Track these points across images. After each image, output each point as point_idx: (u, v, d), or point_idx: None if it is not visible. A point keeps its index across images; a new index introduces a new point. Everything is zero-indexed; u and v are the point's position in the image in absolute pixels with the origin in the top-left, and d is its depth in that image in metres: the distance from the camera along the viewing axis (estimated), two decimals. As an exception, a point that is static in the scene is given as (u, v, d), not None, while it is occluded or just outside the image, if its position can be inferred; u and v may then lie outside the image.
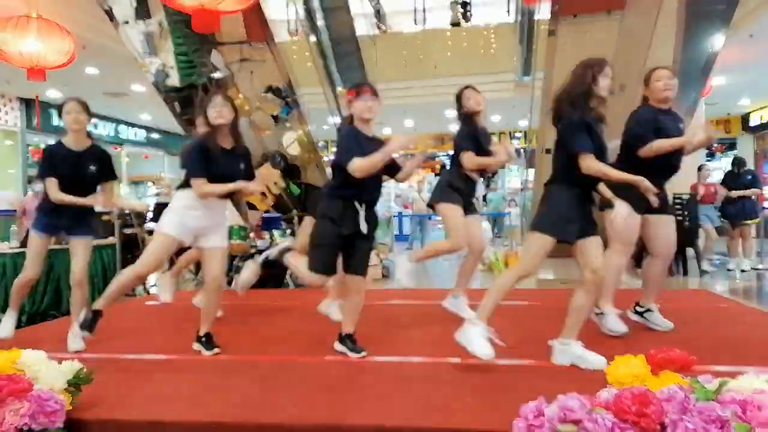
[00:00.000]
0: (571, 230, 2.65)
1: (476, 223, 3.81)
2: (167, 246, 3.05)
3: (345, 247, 2.98)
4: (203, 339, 3.17)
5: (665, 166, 3.16)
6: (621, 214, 2.72)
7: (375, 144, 2.91)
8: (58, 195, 3.28)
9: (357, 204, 2.92)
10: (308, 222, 3.74)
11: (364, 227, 2.93)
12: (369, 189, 2.96)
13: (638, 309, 3.43)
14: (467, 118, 3.67)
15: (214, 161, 3.00)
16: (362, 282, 3.04)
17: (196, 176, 3.00)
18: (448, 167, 3.96)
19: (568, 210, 2.67)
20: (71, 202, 3.29)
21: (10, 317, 3.58)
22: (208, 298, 3.20)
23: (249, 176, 3.17)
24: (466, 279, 3.83)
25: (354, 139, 2.88)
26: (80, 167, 3.34)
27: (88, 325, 3.14)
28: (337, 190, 2.95)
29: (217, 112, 2.99)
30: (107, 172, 3.49)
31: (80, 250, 3.42)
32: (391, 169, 3.02)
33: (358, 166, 2.78)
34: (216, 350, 3.14)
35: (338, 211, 2.91)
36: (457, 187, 3.64)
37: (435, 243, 3.74)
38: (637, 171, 2.77)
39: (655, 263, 3.35)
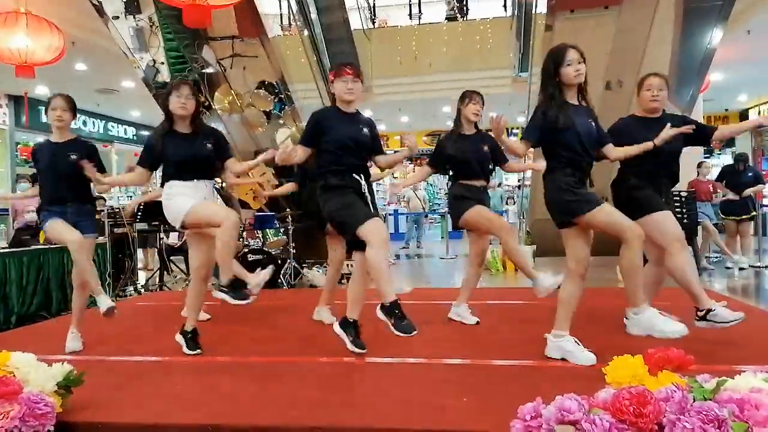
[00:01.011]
0: (577, 206, 2.63)
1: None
2: (206, 210, 2.99)
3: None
4: (188, 334, 3.12)
5: (656, 171, 3.13)
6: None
7: (355, 123, 2.96)
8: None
9: (356, 175, 2.94)
10: None
11: (367, 193, 2.95)
12: (353, 161, 2.96)
13: (699, 314, 3.15)
14: (459, 126, 3.63)
15: (174, 147, 3.02)
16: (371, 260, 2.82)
17: (139, 164, 3.11)
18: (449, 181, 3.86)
19: (564, 191, 2.66)
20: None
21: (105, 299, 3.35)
22: (194, 286, 3.12)
23: (222, 153, 3.15)
24: (469, 289, 3.73)
25: (309, 126, 2.97)
26: (60, 155, 3.30)
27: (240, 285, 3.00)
28: (331, 174, 2.94)
29: (182, 103, 3.01)
30: (90, 152, 3.42)
31: (85, 249, 3.37)
32: (373, 150, 3.05)
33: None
34: (197, 352, 3.08)
35: (340, 182, 2.91)
36: (465, 196, 3.57)
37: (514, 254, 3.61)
38: (638, 176, 2.85)
39: (674, 260, 3.31)
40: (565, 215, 2.69)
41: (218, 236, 2.91)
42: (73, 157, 3.31)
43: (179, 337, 3.13)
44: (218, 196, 3.38)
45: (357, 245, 2.89)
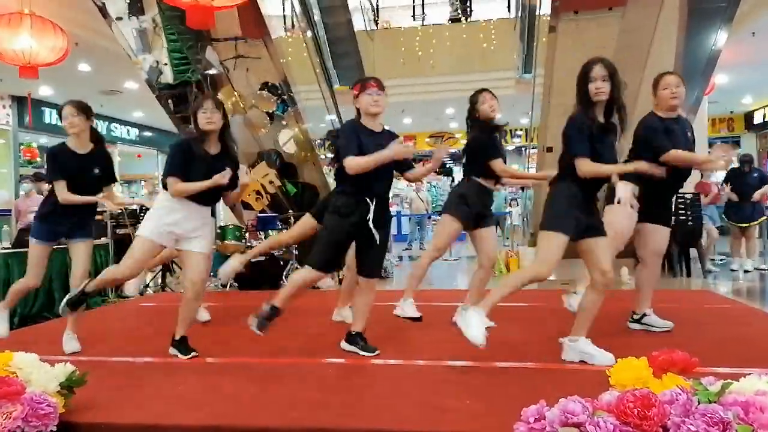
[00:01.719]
0: (569, 224, 2.62)
1: (490, 235, 3.67)
2: (145, 249, 3.01)
3: (357, 246, 2.96)
4: (178, 342, 3.10)
5: (675, 177, 3.13)
6: (625, 191, 2.72)
7: (383, 138, 2.90)
8: (67, 196, 3.22)
9: (368, 200, 2.90)
10: (305, 220, 3.69)
11: (372, 223, 2.90)
12: (379, 184, 2.93)
13: (635, 317, 3.43)
14: (483, 124, 3.57)
15: (198, 164, 2.95)
16: (374, 282, 3.03)
17: (171, 174, 2.93)
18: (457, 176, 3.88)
19: (568, 206, 2.65)
20: (80, 201, 3.24)
21: (2, 318, 3.54)
22: (185, 303, 3.10)
23: (235, 184, 3.13)
24: (478, 292, 3.63)
25: (352, 136, 2.86)
26: (85, 170, 3.29)
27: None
28: (348, 186, 2.91)
29: (207, 118, 2.93)
30: (109, 174, 3.46)
31: (82, 253, 3.38)
32: (403, 167, 3.02)
33: (349, 164, 2.79)
34: (193, 354, 3.08)
35: (349, 208, 2.89)
36: (467, 200, 3.56)
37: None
38: (647, 181, 2.82)
39: (646, 271, 3.38)
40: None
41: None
42: (96, 171, 3.32)
43: (173, 350, 3.13)
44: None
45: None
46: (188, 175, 2.94)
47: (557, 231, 2.62)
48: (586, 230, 2.65)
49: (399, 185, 16.82)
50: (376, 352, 2.94)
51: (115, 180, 3.52)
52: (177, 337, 3.12)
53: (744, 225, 7.18)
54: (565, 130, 2.70)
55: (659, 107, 3.20)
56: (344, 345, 3.05)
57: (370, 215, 2.88)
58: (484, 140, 3.53)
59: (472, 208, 3.54)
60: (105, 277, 3.17)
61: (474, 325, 2.56)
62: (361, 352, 2.96)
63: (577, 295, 3.28)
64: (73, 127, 3.24)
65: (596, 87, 2.59)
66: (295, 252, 6.39)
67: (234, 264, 3.85)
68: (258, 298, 5.18)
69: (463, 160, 3.76)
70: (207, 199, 3.06)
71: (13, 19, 5.60)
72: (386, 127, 3.03)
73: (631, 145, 3.24)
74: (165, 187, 3.02)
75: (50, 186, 3.36)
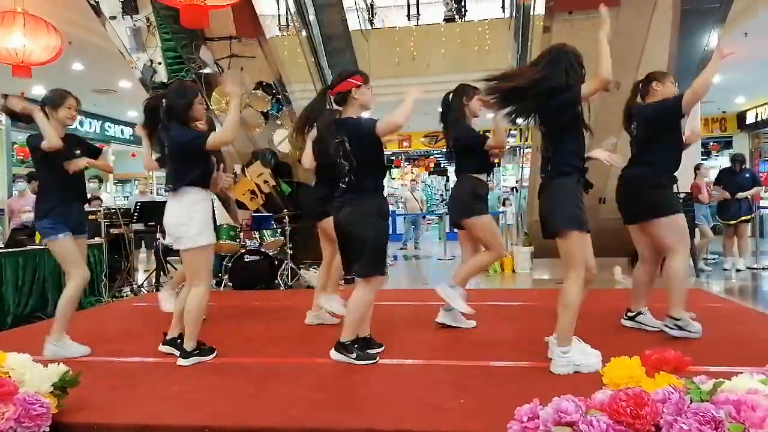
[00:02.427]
0: (586, 221, 2.65)
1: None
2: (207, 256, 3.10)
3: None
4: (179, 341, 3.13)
5: (676, 158, 3.25)
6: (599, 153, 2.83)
7: None
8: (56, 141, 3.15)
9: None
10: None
11: None
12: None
13: (629, 314, 3.46)
14: (465, 119, 3.63)
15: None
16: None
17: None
18: (451, 174, 3.88)
19: (579, 200, 2.66)
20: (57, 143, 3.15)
21: (68, 342, 3.28)
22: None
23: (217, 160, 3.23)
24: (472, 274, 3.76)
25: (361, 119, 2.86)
26: (70, 152, 3.29)
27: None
28: (380, 187, 2.92)
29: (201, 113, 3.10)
30: (92, 149, 3.48)
31: (83, 250, 3.42)
32: None
33: (395, 120, 2.74)
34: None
35: (387, 209, 2.94)
36: (480, 195, 3.57)
37: (475, 260, 3.63)
38: (656, 164, 3.06)
39: (646, 269, 3.40)
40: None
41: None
42: (78, 152, 3.32)
43: (165, 348, 3.16)
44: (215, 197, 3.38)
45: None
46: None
47: (583, 230, 2.62)
48: None
49: (393, 184, 16.84)
50: (382, 348, 2.99)
51: (98, 150, 3.55)
52: (176, 336, 3.19)
53: (733, 222, 7.25)
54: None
55: (661, 96, 3.28)
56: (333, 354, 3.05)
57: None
58: (474, 132, 3.60)
59: (486, 201, 3.59)
60: (200, 304, 3.03)
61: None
62: (372, 353, 2.97)
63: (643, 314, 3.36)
64: (73, 120, 3.32)
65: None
66: (290, 252, 6.38)
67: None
68: (253, 298, 5.20)
69: (454, 160, 3.76)
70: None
71: (6, 17, 5.55)
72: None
73: (641, 130, 3.28)
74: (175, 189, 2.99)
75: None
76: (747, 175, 7.38)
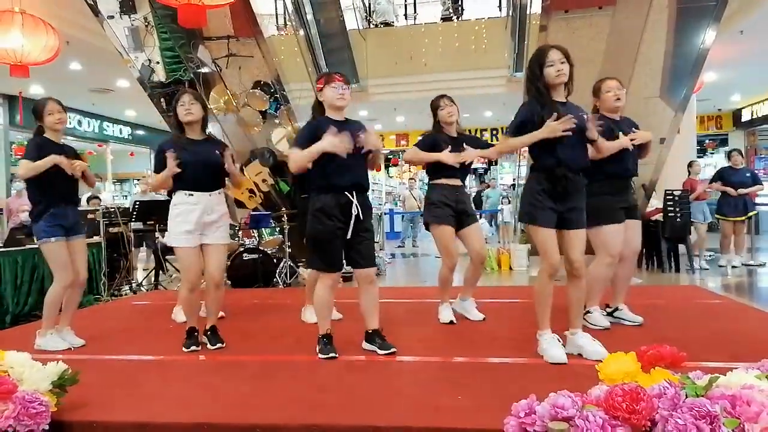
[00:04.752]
0: (545, 216, 2.69)
1: (473, 233, 3.68)
2: (189, 257, 3.18)
3: (346, 241, 2.92)
4: (210, 333, 3.29)
5: (619, 169, 3.29)
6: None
7: (350, 127, 2.92)
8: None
9: (348, 194, 2.89)
10: None
11: (360, 215, 2.89)
12: (353, 175, 2.90)
13: (608, 309, 3.55)
14: (438, 126, 3.67)
15: (187, 153, 3.11)
16: (372, 272, 3.02)
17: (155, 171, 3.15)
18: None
19: (535, 197, 2.72)
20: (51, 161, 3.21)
21: (58, 335, 3.41)
22: (209, 296, 3.30)
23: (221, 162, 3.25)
24: (471, 284, 3.82)
25: (307, 132, 2.91)
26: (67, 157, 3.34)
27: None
28: (324, 181, 2.88)
29: (186, 110, 3.14)
30: (78, 157, 3.52)
31: (82, 249, 3.49)
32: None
33: (291, 157, 2.86)
34: (219, 345, 3.23)
35: (331, 204, 2.87)
36: (433, 201, 3.59)
37: (438, 275, 3.78)
38: (605, 174, 3.14)
39: (622, 266, 3.45)
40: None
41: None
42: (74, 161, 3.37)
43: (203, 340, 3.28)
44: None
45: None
46: (183, 166, 3.08)
47: (528, 222, 2.77)
48: (560, 221, 2.73)
49: (392, 183, 16.85)
50: (393, 350, 2.95)
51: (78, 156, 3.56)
52: (207, 327, 3.28)
53: (739, 219, 7.26)
54: None
55: (603, 109, 3.39)
56: (365, 345, 3.07)
57: (355, 209, 2.88)
58: (430, 140, 3.61)
59: (451, 206, 3.57)
60: (180, 300, 3.22)
61: (549, 348, 2.71)
62: (380, 352, 2.95)
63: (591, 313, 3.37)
64: (62, 123, 3.38)
65: (557, 69, 2.66)
66: (288, 250, 6.39)
67: None
68: (251, 296, 5.21)
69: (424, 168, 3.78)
70: (208, 185, 3.18)
71: (4, 17, 5.55)
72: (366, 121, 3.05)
73: None
74: (169, 195, 3.19)
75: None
76: (747, 174, 7.40)
